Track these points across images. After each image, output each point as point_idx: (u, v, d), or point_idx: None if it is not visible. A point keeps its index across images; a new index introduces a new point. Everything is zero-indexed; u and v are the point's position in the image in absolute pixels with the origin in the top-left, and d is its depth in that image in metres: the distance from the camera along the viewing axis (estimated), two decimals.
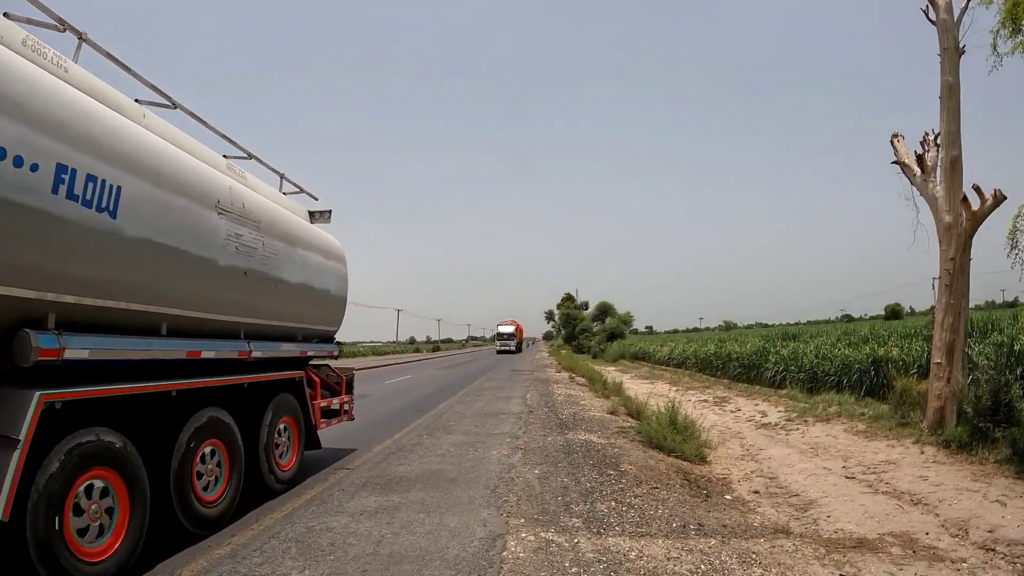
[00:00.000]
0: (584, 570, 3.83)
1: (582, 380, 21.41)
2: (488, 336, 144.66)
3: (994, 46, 8.86)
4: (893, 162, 10.01)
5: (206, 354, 4.84)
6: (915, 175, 9.58)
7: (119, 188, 3.79)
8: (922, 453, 8.03)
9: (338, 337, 8.26)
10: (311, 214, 7.83)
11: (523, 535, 4.50)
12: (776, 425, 11.35)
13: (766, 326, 79.47)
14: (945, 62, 8.97)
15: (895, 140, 10.10)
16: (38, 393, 3.19)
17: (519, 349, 66.78)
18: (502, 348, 61.47)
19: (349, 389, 8.19)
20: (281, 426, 6.25)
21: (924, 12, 9.31)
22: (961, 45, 8.97)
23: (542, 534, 4.54)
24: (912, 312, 70.82)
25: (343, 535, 4.50)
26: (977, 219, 8.69)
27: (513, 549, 4.19)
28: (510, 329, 63.98)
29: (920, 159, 9.57)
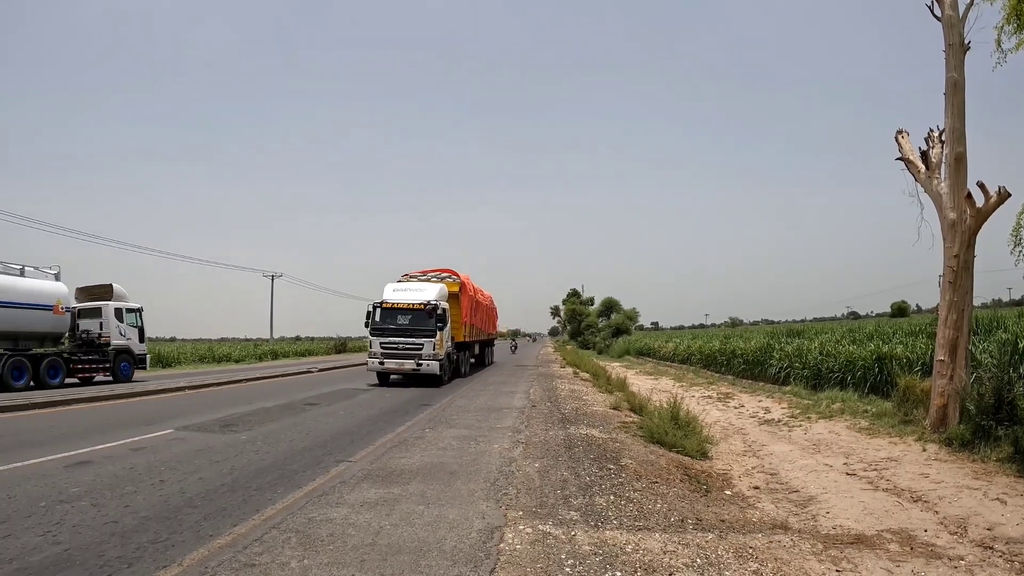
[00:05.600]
0: (580, 562, 3.86)
1: (586, 375, 21.46)
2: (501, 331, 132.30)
3: (998, 42, 8.82)
4: (898, 159, 9.96)
5: None
6: (919, 172, 9.53)
7: None
8: (924, 451, 8.02)
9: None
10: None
11: (521, 527, 4.53)
12: (779, 421, 11.35)
13: (772, 323, 79.20)
14: (950, 58, 8.92)
15: (900, 137, 10.04)
16: None
17: (451, 369, 20.00)
18: (386, 361, 18.23)
19: None
20: None
21: (929, 8, 9.26)
22: (966, 41, 8.92)
23: (540, 527, 4.57)
24: (919, 310, 70.57)
25: (343, 526, 4.55)
26: (981, 216, 8.64)
27: (510, 541, 4.22)
28: (422, 296, 18.85)
29: (925, 156, 9.52)
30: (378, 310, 18.42)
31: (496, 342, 36.42)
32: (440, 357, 18.01)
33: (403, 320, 18.15)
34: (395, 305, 18.39)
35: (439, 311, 18.21)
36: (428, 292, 19.06)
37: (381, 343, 18.10)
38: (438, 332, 17.91)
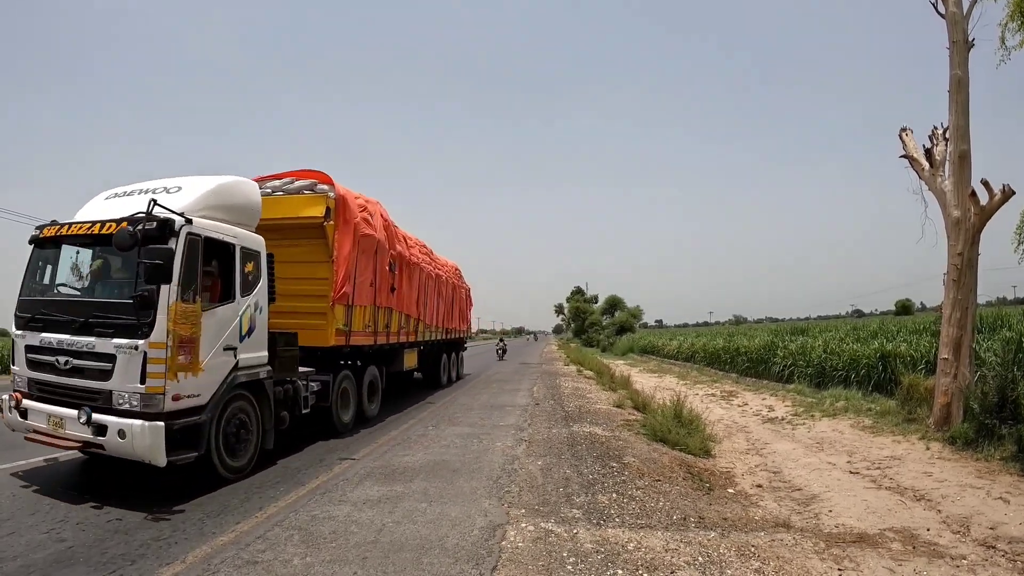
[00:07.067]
0: (581, 560, 3.87)
1: (590, 373, 21.41)
2: (499, 329, 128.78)
3: (1002, 40, 8.78)
4: (902, 156, 9.92)
5: None
6: (923, 170, 9.49)
7: None
8: (927, 449, 8.00)
9: None
10: None
11: (523, 525, 4.55)
12: (782, 420, 11.33)
13: (776, 321, 78.92)
14: (954, 56, 8.87)
15: (904, 134, 10.00)
16: None
17: (261, 431, 6.41)
18: (32, 408, 5.51)
19: None
20: None
21: (933, 5, 9.22)
22: (970, 39, 8.87)
23: (542, 524, 4.58)
24: (923, 308, 70.30)
25: (345, 523, 4.57)
26: (985, 214, 8.60)
27: (512, 539, 4.24)
28: (137, 205, 5.31)
29: (928, 153, 9.48)
30: (34, 253, 6.11)
31: (477, 343, 24.94)
32: (175, 402, 5.18)
33: (76, 282, 6.12)
34: (62, 232, 5.77)
35: (163, 243, 5.10)
36: (175, 196, 5.73)
37: (28, 352, 5.73)
38: (156, 318, 5.00)
